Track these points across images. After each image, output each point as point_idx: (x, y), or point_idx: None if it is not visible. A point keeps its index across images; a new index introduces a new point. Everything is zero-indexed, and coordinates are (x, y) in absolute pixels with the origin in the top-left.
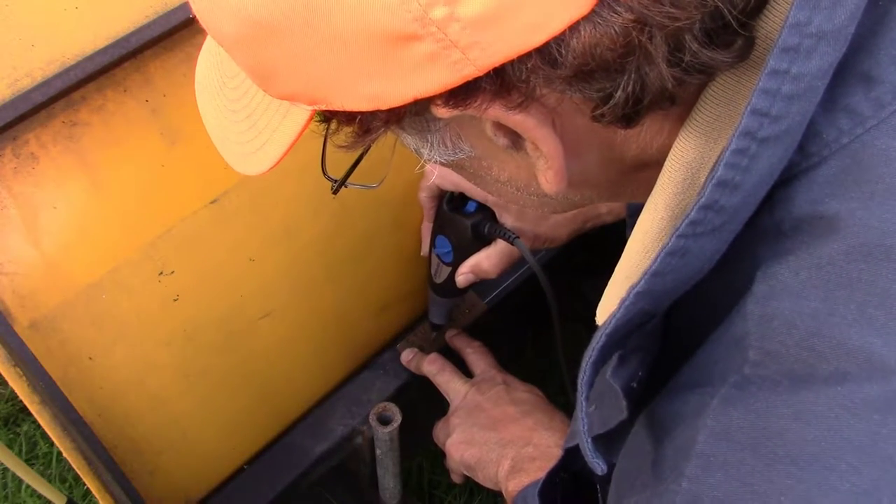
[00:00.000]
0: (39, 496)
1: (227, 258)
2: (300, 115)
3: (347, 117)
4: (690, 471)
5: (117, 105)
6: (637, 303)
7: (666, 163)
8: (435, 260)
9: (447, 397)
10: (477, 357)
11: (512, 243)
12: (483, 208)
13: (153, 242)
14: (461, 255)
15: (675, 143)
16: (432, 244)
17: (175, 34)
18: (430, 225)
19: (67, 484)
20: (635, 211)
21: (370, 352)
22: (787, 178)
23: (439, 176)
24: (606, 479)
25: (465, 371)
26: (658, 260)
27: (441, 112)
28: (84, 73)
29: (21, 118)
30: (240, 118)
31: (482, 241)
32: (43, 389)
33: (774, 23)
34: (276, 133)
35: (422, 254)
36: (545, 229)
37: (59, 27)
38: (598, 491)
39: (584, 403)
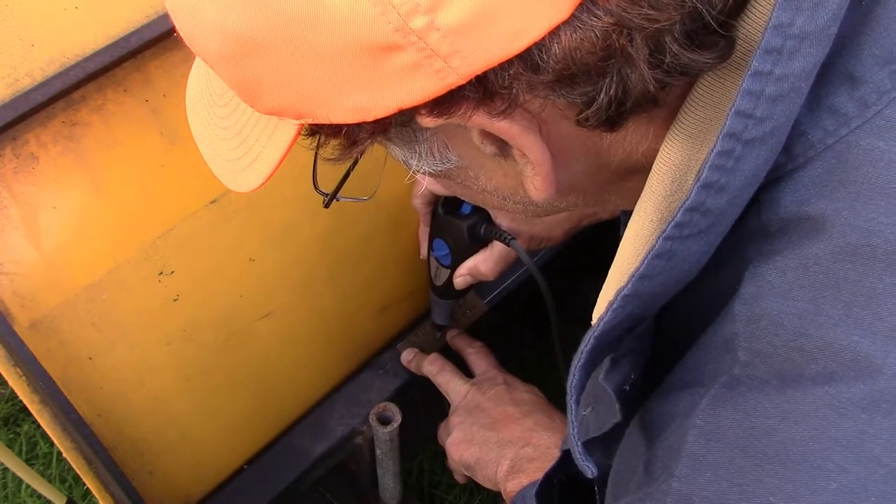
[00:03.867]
0: (39, 496)
1: (227, 258)
2: (288, 129)
3: (334, 130)
4: (680, 471)
5: (117, 105)
6: (625, 305)
7: (654, 166)
8: (434, 263)
9: (447, 397)
10: (478, 357)
11: (508, 244)
12: (478, 210)
13: (153, 242)
14: (459, 257)
15: (662, 146)
16: (430, 247)
17: (175, 34)
18: (427, 229)
19: (67, 484)
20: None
21: (370, 352)
22: (774, 180)
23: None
24: (604, 480)
25: (465, 371)
26: (645, 262)
27: (426, 121)
28: (84, 73)
29: (21, 118)
30: (229, 135)
31: (479, 243)
32: (43, 389)
33: (756, 23)
34: (266, 149)
35: (421, 257)
36: (541, 229)
37: (59, 27)
38: (596, 493)
39: (573, 407)
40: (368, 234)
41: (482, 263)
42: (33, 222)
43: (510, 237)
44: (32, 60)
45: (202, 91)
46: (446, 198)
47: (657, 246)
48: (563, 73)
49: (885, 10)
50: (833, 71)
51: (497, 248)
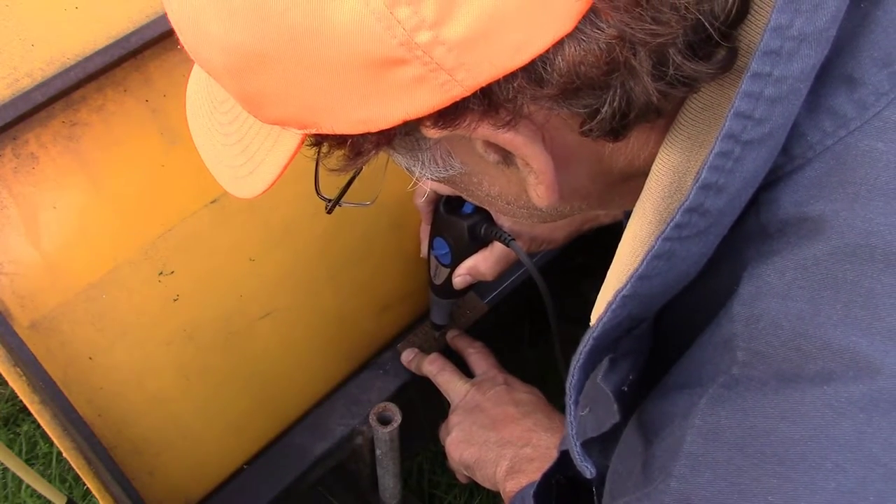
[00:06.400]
0: (39, 496)
1: (227, 258)
2: (291, 139)
3: (338, 140)
4: (679, 470)
5: (117, 105)
6: (624, 306)
7: (653, 168)
8: (434, 262)
9: (448, 397)
10: (478, 357)
11: (508, 245)
12: (479, 210)
13: (153, 242)
14: (459, 256)
15: (661, 148)
16: (430, 246)
17: (175, 34)
18: (428, 227)
19: (67, 484)
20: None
21: (370, 352)
22: (773, 181)
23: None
24: (602, 481)
25: (466, 371)
26: (644, 263)
27: (431, 133)
28: (84, 73)
29: (21, 118)
30: (232, 142)
31: (479, 243)
32: (43, 389)
33: (756, 31)
34: (269, 157)
35: (421, 255)
36: (542, 231)
37: (59, 27)
38: (594, 494)
39: (572, 407)
40: (368, 234)
41: (482, 263)
42: (33, 222)
43: (510, 238)
44: (32, 60)
45: (203, 97)
46: (448, 197)
47: (656, 247)
48: (567, 86)
49: (883, 13)
50: (832, 73)
51: (497, 248)
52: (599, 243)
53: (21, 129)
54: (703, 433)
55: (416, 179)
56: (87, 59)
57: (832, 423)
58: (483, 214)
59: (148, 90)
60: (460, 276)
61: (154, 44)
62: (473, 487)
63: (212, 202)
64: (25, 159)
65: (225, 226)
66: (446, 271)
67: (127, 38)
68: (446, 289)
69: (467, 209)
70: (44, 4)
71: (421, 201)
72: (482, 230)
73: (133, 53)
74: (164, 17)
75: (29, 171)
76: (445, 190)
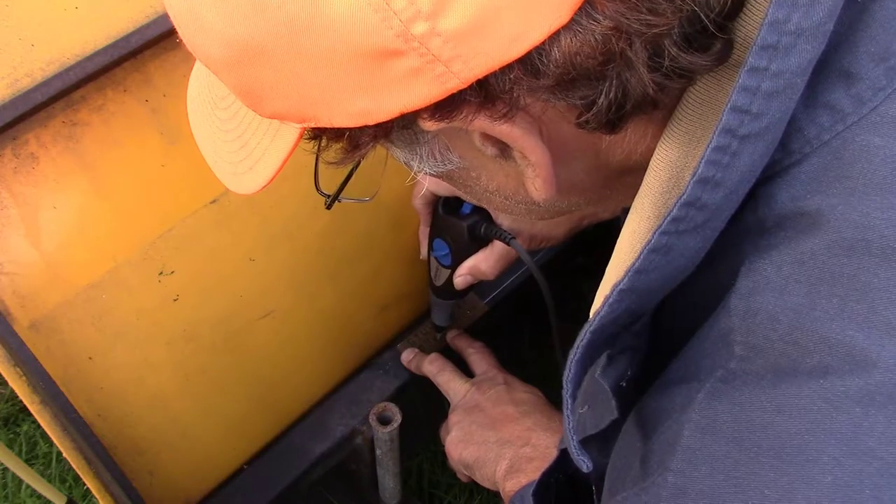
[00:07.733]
0: (39, 496)
1: (227, 258)
2: (290, 133)
3: (336, 134)
4: (676, 464)
5: (117, 105)
6: (621, 300)
7: (650, 163)
8: (434, 263)
9: (447, 397)
10: (478, 357)
11: (508, 244)
12: (479, 209)
13: (153, 242)
14: (459, 257)
15: (659, 144)
16: (430, 247)
17: (175, 34)
18: (427, 229)
19: (67, 484)
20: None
21: (370, 352)
22: (770, 175)
23: (432, 181)
24: (601, 478)
25: (466, 371)
26: (641, 257)
27: (428, 125)
28: (84, 73)
29: (21, 118)
30: (231, 138)
31: (479, 243)
32: (43, 389)
33: (753, 24)
34: (268, 152)
35: (421, 258)
36: (541, 228)
37: (59, 27)
38: (594, 492)
39: (569, 401)
40: (368, 233)
41: (482, 262)
42: (33, 222)
43: (510, 236)
44: (32, 60)
45: (203, 93)
46: (446, 198)
47: (653, 240)
48: (563, 77)
49: (880, 8)
50: (829, 68)
51: (497, 247)
52: (600, 243)
53: (21, 129)
54: (701, 427)
55: (415, 174)
56: (87, 59)
57: (829, 417)
58: (482, 214)
59: (148, 90)
60: (461, 277)
61: (154, 44)
62: (473, 487)
63: (212, 202)
64: (25, 159)
65: (225, 226)
66: (447, 272)
67: (127, 38)
68: (447, 290)
69: (466, 209)
70: (44, 4)
71: (419, 202)
72: (482, 229)
73: (133, 53)
74: (164, 17)
75: (29, 171)
76: (444, 189)
